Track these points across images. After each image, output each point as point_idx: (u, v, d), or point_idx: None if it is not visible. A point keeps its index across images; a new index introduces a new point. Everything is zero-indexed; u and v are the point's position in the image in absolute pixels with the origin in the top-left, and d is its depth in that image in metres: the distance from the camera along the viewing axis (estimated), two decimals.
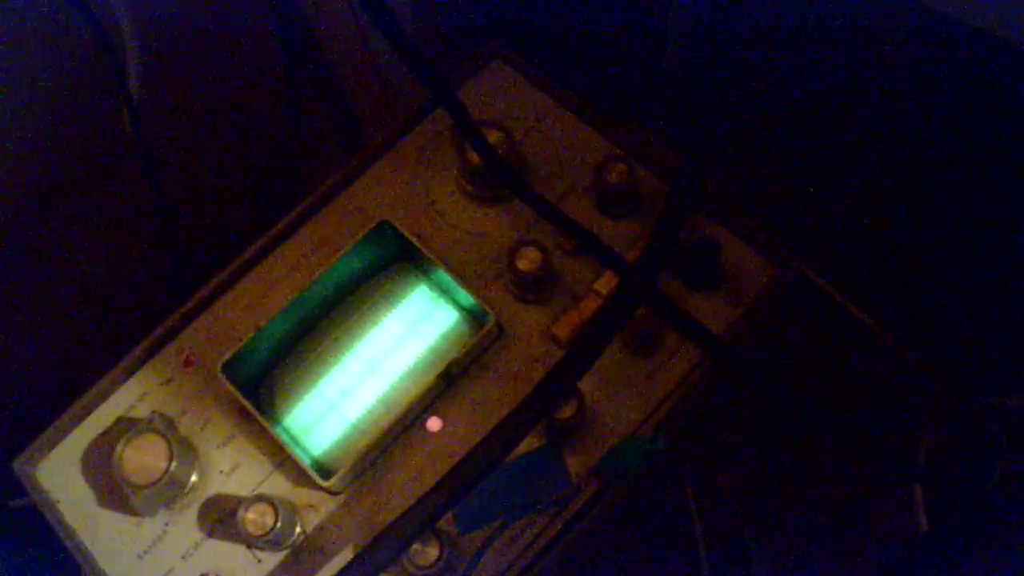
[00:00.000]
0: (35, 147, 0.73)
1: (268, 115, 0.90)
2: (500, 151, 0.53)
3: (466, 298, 0.53)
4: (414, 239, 0.53)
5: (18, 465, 0.52)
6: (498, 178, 0.54)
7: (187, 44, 0.79)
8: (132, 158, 0.79)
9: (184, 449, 0.49)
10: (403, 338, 0.54)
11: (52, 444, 0.52)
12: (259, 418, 0.49)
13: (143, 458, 0.47)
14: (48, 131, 0.73)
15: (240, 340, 0.52)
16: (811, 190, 0.78)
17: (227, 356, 0.50)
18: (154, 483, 0.47)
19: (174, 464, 0.47)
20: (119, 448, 0.48)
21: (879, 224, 0.76)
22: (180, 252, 0.80)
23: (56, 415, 0.52)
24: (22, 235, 0.76)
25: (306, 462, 0.49)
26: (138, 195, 0.84)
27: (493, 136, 0.54)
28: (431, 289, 0.55)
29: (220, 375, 0.50)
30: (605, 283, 0.52)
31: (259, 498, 0.46)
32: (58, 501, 0.51)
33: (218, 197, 0.88)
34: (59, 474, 0.51)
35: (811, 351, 0.71)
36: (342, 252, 0.53)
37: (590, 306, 0.52)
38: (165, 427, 0.49)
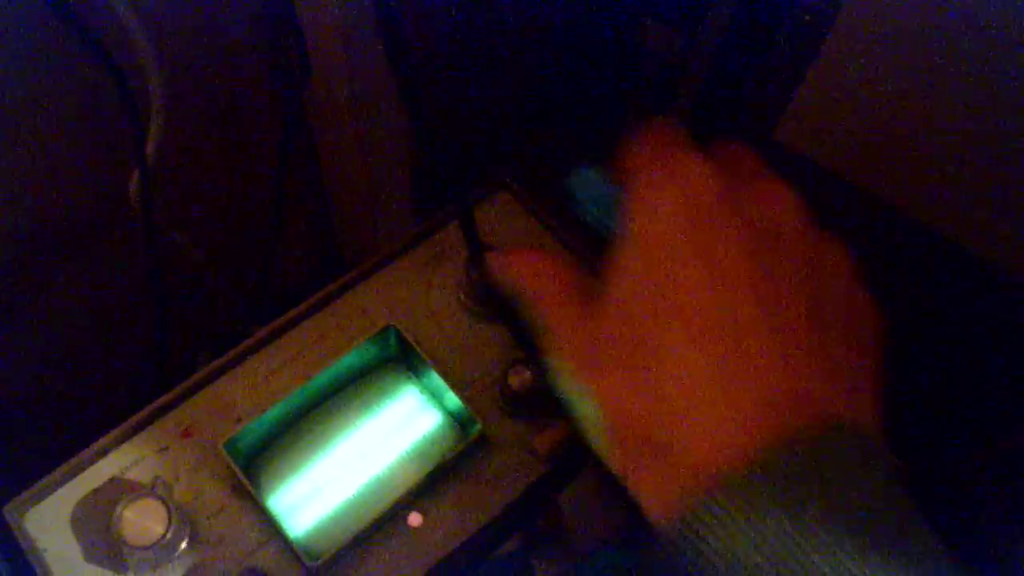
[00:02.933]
0: (34, 193, 0.75)
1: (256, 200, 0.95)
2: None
3: (455, 403, 0.57)
4: (415, 344, 0.58)
5: (8, 511, 0.54)
6: (494, 302, 0.60)
7: (198, 117, 0.84)
8: (123, 218, 0.82)
9: (179, 516, 0.52)
10: (389, 434, 0.58)
11: (43, 495, 0.54)
12: (254, 494, 0.53)
13: (143, 520, 0.50)
14: (50, 180, 0.76)
15: (239, 420, 0.56)
16: None
17: (230, 435, 0.54)
18: (151, 545, 0.49)
19: (171, 530, 0.50)
20: (119, 508, 0.50)
21: None
22: (163, 316, 0.83)
23: (49, 468, 0.55)
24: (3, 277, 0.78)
25: (293, 542, 0.52)
26: (124, 255, 0.87)
27: None
28: (421, 392, 0.60)
29: (222, 451, 0.53)
30: None
31: (251, 570, 0.49)
32: (45, 550, 0.53)
33: (197, 271, 0.92)
34: (48, 524, 0.54)
35: None
36: (348, 349, 0.57)
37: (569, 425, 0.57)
38: (166, 493, 0.51)
